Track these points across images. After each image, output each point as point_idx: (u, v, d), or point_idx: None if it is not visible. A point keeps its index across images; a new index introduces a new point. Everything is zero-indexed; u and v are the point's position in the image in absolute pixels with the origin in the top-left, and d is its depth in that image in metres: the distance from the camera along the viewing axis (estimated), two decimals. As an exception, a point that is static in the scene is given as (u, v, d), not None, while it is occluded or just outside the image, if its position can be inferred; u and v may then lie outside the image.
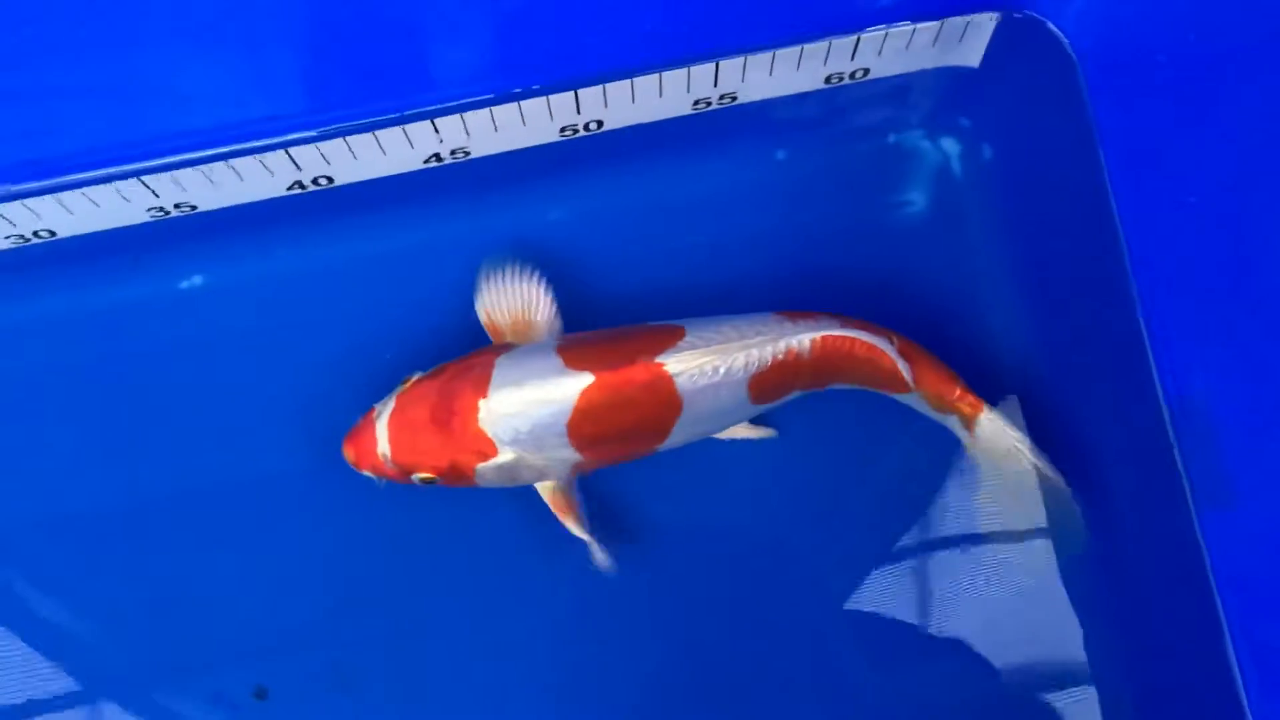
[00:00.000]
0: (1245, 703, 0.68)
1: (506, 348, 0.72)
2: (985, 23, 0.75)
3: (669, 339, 0.69)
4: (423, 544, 0.78)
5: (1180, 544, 0.70)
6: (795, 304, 0.78)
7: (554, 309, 0.74)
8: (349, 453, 0.71)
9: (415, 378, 0.71)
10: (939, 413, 0.73)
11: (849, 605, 0.79)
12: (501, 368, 0.69)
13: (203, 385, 0.80)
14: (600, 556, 0.74)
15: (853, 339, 0.70)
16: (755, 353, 0.69)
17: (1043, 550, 0.79)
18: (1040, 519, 0.77)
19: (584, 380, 0.68)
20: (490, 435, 0.69)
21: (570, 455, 0.70)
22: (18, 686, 0.78)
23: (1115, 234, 0.71)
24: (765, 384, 0.70)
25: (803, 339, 0.69)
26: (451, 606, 0.78)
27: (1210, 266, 0.69)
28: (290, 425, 0.80)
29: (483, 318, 0.74)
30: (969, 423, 0.72)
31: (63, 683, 0.78)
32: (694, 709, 0.78)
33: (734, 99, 0.77)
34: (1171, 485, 0.70)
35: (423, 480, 0.71)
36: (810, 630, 0.79)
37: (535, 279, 0.74)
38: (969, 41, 0.77)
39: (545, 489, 0.74)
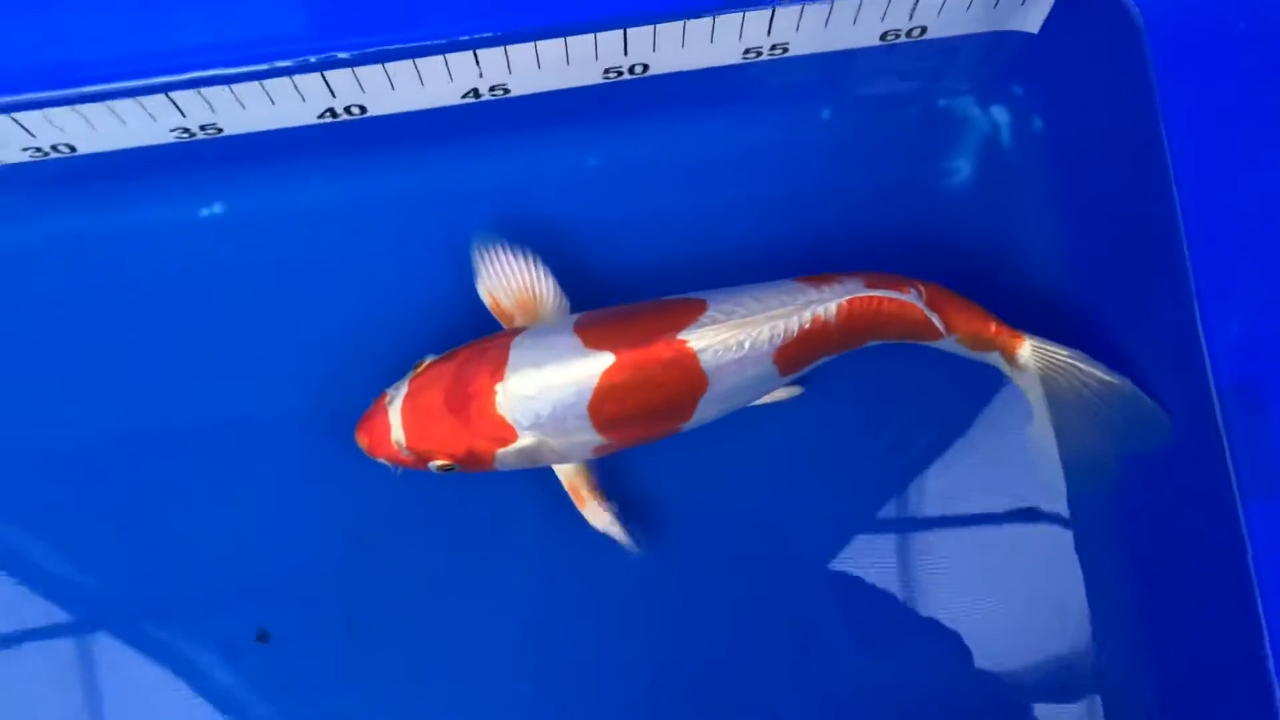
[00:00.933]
0: None
1: (522, 329, 0.70)
2: (1052, -16, 0.72)
3: (690, 314, 0.68)
4: (432, 494, 0.76)
5: (1220, 535, 0.68)
6: (832, 265, 0.76)
7: (554, 285, 0.72)
8: (362, 440, 0.69)
9: (428, 361, 0.69)
10: (978, 352, 0.72)
11: (847, 584, 0.78)
12: (518, 350, 0.68)
13: (217, 316, 0.78)
14: (626, 541, 0.73)
15: (879, 298, 0.69)
16: (781, 324, 0.67)
17: (1056, 533, 0.78)
18: (1060, 492, 0.77)
19: (605, 360, 0.66)
20: (509, 420, 0.67)
21: (592, 438, 0.68)
22: (13, 623, 0.76)
23: (1173, 214, 0.68)
24: (792, 354, 0.68)
25: (828, 305, 0.68)
26: (460, 559, 0.77)
27: (1271, 252, 0.67)
28: (305, 364, 0.78)
29: (487, 303, 0.72)
30: (1011, 355, 0.71)
31: (58, 621, 0.76)
32: (686, 687, 0.77)
33: (785, 50, 0.74)
34: (1216, 471, 0.67)
35: (440, 468, 0.69)
36: (810, 612, 0.78)
37: (529, 257, 0.72)
38: (1031, 5, 0.74)
39: (565, 473, 0.72)
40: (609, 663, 0.77)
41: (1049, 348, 0.70)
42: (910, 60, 0.79)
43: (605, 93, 0.76)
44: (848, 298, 0.68)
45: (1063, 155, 0.80)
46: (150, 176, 0.76)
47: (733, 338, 0.67)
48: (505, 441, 0.68)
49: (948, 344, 0.71)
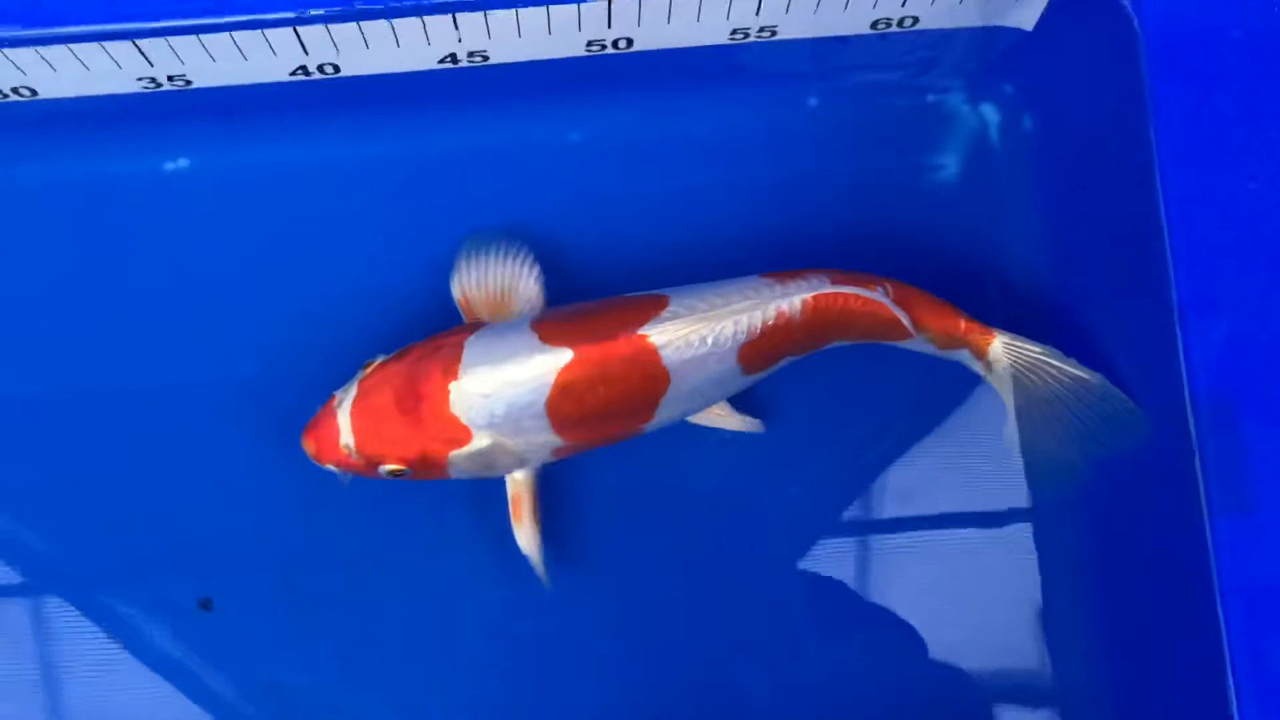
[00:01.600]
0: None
1: (477, 326, 0.68)
2: (1048, -20, 0.71)
3: (651, 309, 0.66)
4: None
5: (1185, 546, 0.67)
6: (811, 255, 0.75)
7: (538, 286, 0.70)
8: (309, 446, 0.66)
9: (378, 361, 0.67)
10: (948, 350, 0.70)
11: (807, 588, 0.77)
12: (472, 347, 0.66)
13: (174, 274, 0.76)
14: (540, 573, 0.71)
15: (845, 295, 0.67)
16: (744, 319, 0.65)
17: (1020, 538, 0.77)
18: (1024, 496, 0.76)
19: (563, 356, 0.64)
20: (464, 420, 0.65)
21: (551, 438, 0.66)
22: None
23: (1158, 221, 0.67)
24: (756, 352, 0.67)
25: (793, 301, 0.66)
26: (406, 526, 0.75)
27: (1255, 267, 0.66)
28: (262, 327, 0.76)
29: (457, 295, 0.70)
30: (981, 352, 0.70)
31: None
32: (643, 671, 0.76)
33: (774, 33, 0.73)
34: (1184, 482, 0.66)
35: (391, 473, 0.66)
36: (771, 616, 0.76)
37: (521, 256, 0.70)
38: (1026, 2, 0.72)
39: (514, 482, 0.70)
40: (561, 629, 0.75)
41: (1020, 344, 0.69)
42: (901, 51, 0.77)
43: (589, 66, 0.74)
44: (813, 293, 0.66)
45: (1050, 156, 0.78)
46: (114, 126, 0.74)
47: (695, 333, 0.65)
48: (459, 443, 0.66)
49: (916, 343, 0.70)
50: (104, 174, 0.76)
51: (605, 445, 0.71)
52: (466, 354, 0.65)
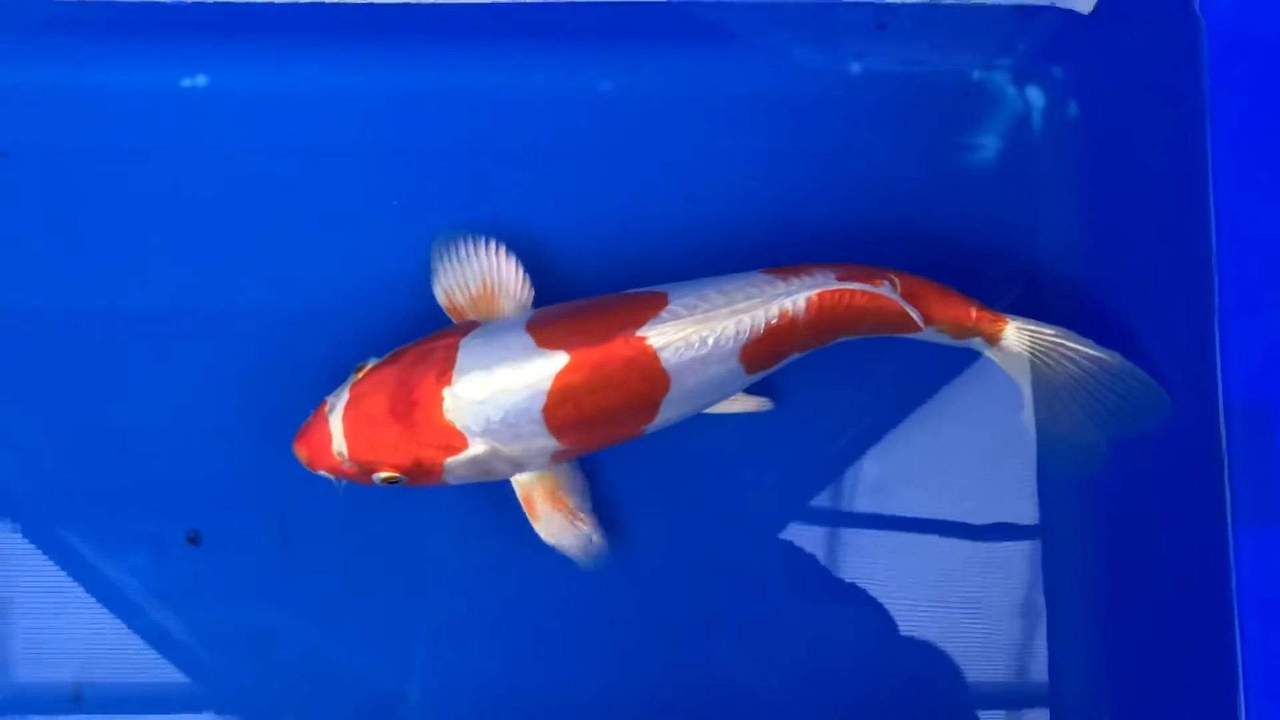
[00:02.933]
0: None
1: (471, 327, 0.66)
2: (1113, -38, 0.68)
3: (650, 309, 0.64)
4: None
5: (1205, 557, 0.66)
6: (838, 224, 0.74)
7: (524, 281, 0.68)
8: (301, 452, 0.64)
9: (369, 365, 0.65)
10: (960, 340, 0.69)
11: (804, 583, 0.75)
12: (466, 350, 0.63)
13: (183, 197, 0.74)
14: (582, 558, 0.70)
15: (851, 291, 0.65)
16: (746, 319, 0.63)
17: (1025, 538, 0.75)
18: (1031, 494, 0.74)
19: (559, 360, 0.62)
20: (459, 426, 0.63)
21: (549, 443, 0.64)
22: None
23: (1206, 221, 0.66)
24: (759, 352, 0.65)
25: (796, 299, 0.64)
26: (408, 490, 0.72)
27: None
28: (269, 256, 0.73)
29: (441, 300, 0.68)
30: (995, 339, 0.68)
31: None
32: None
33: (829, -9, 0.70)
34: (1210, 490, 0.65)
35: (385, 480, 0.64)
36: (766, 613, 0.74)
37: (499, 250, 0.68)
38: (1089, -19, 0.70)
39: (520, 484, 0.68)
40: (558, 589, 0.73)
41: (1033, 327, 0.67)
42: (953, 22, 0.75)
43: (627, 12, 0.71)
44: (818, 291, 0.64)
45: (1093, 145, 0.76)
46: (131, 35, 0.72)
47: (695, 334, 0.63)
48: (455, 450, 0.64)
49: (927, 334, 0.68)
50: (118, 84, 0.73)
51: (605, 447, 0.69)
52: (461, 358, 0.63)
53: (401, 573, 0.73)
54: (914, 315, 0.66)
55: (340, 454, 0.64)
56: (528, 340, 0.63)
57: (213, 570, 0.72)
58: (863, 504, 0.75)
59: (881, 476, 0.75)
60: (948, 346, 0.70)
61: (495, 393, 0.63)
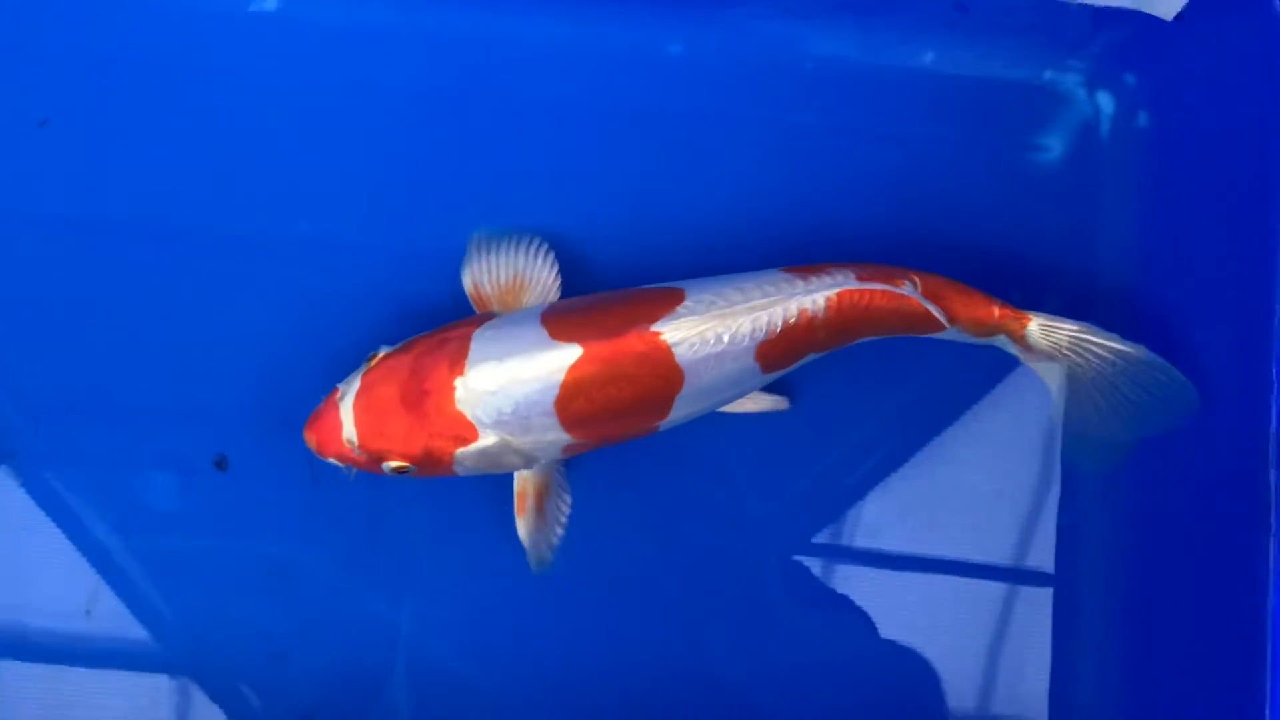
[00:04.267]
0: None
1: (486, 318, 0.65)
2: (1203, -31, 0.67)
3: (666, 304, 0.63)
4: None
5: (1240, 579, 0.65)
6: (896, 208, 0.74)
7: (554, 276, 0.68)
8: (311, 439, 0.64)
9: (382, 353, 0.64)
10: (983, 338, 0.68)
11: (808, 593, 0.74)
12: (480, 341, 0.63)
13: (243, 122, 0.73)
14: (534, 564, 0.69)
15: (871, 291, 0.64)
16: (763, 316, 0.62)
17: (1041, 564, 0.74)
18: (1051, 516, 0.74)
19: (572, 353, 0.62)
20: (470, 416, 0.62)
21: (560, 436, 0.64)
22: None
23: (1273, 244, 0.65)
24: (775, 350, 0.64)
25: (815, 298, 0.63)
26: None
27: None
28: (327, 191, 0.73)
29: (468, 287, 0.68)
30: (1018, 337, 0.67)
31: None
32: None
33: (912, -27, 0.69)
34: (1252, 512, 0.64)
35: (394, 469, 0.64)
36: (767, 622, 0.74)
37: (535, 247, 0.68)
38: (1175, -13, 0.69)
39: (521, 478, 0.68)
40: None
41: (1056, 323, 0.67)
42: (1031, 18, 0.74)
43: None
44: (836, 291, 0.64)
45: (1160, 156, 0.75)
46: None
47: (710, 330, 0.62)
48: (465, 440, 0.63)
49: (949, 334, 0.68)
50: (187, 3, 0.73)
51: (618, 443, 0.69)
52: (474, 348, 0.63)
53: (421, 526, 0.72)
54: (937, 314, 0.65)
55: (350, 442, 0.63)
56: (541, 332, 0.63)
57: (236, 498, 0.71)
58: (861, 515, 0.75)
59: (883, 494, 0.74)
60: (968, 350, 0.69)
61: (507, 384, 0.62)
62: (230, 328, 0.72)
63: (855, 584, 0.74)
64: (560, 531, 0.70)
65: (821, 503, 0.74)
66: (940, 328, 0.66)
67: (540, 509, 0.69)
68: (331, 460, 0.65)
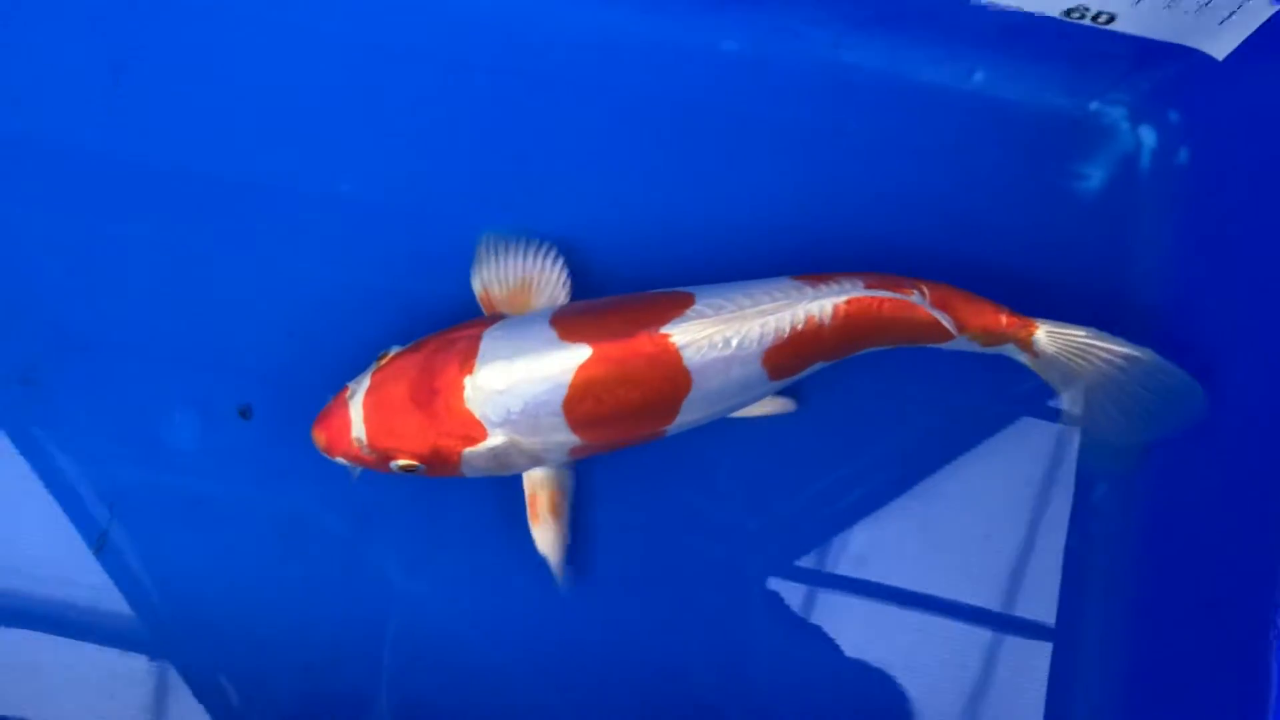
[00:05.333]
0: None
1: (497, 318, 0.66)
2: (1262, 8, 0.68)
3: (676, 307, 0.63)
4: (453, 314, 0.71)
5: (1246, 640, 0.65)
6: (923, 222, 0.75)
7: (563, 279, 0.68)
8: (319, 437, 0.64)
9: (392, 353, 0.65)
10: (991, 347, 0.68)
11: (801, 608, 0.74)
12: (490, 340, 0.63)
13: (295, 76, 0.75)
14: (557, 574, 0.69)
15: (880, 300, 0.65)
16: (771, 321, 0.63)
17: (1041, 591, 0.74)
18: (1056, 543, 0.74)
19: (581, 353, 0.62)
20: (478, 415, 0.63)
21: (568, 438, 0.64)
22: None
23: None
24: (783, 357, 0.64)
25: (824, 305, 0.64)
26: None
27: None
28: (373, 152, 0.74)
29: (478, 290, 0.69)
30: (1026, 344, 0.68)
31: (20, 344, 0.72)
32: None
33: (966, -10, 0.70)
34: (1267, 574, 0.65)
35: (403, 468, 0.64)
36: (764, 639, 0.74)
37: (544, 251, 0.68)
38: (1230, 25, 0.70)
39: (531, 480, 0.68)
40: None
41: (1064, 330, 0.67)
42: (1081, 46, 0.74)
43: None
44: (845, 298, 0.64)
45: (1199, 196, 0.76)
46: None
47: (719, 334, 0.62)
48: (473, 440, 0.63)
49: (958, 343, 0.68)
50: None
51: (626, 447, 0.69)
52: (484, 347, 0.63)
53: (431, 494, 0.72)
54: (946, 323, 0.65)
55: (359, 440, 0.63)
56: (551, 332, 0.63)
57: (256, 448, 0.72)
58: (848, 543, 0.75)
59: (872, 525, 0.74)
60: (969, 391, 0.71)
61: (516, 383, 0.62)
62: (274, 282, 0.73)
63: (837, 611, 0.74)
64: (567, 535, 0.70)
65: (810, 526, 0.74)
66: (949, 336, 0.67)
67: (555, 513, 0.69)
68: (340, 459, 0.65)
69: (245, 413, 0.71)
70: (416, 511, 0.72)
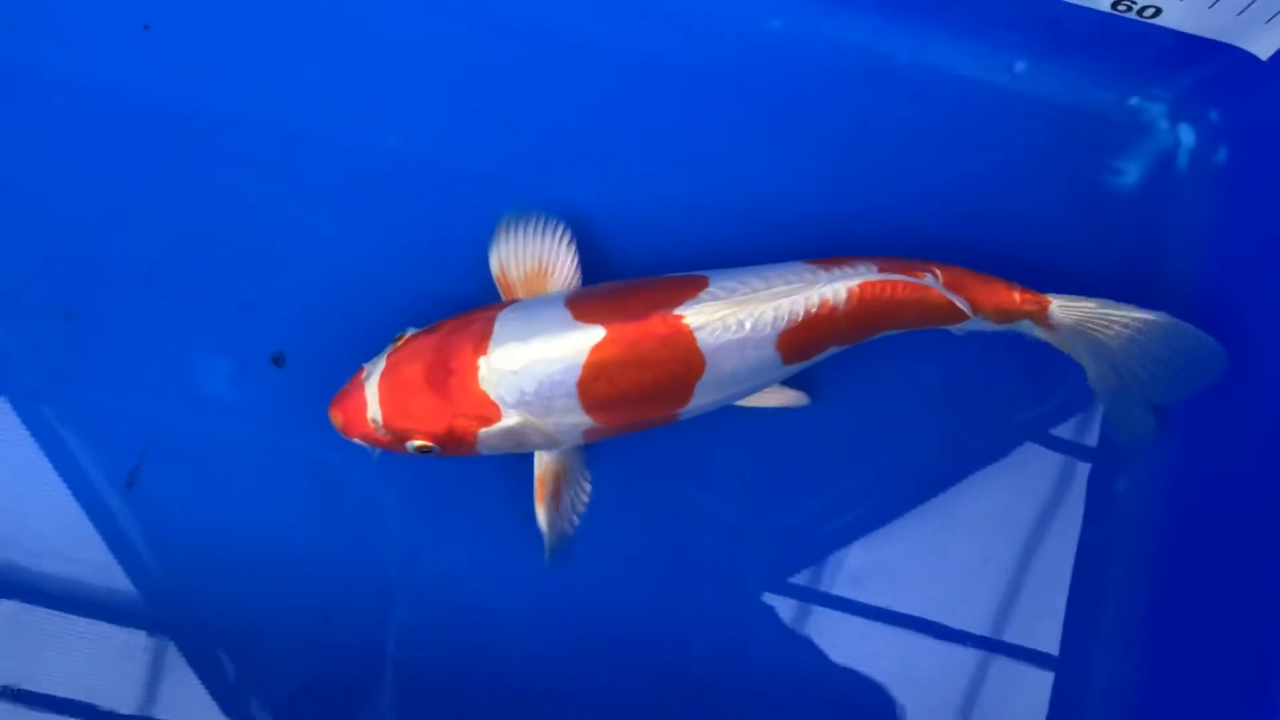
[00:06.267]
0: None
1: (509, 302, 0.66)
2: (1309, 10, 0.68)
3: (689, 290, 0.64)
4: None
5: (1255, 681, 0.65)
6: (957, 211, 0.75)
7: (574, 262, 0.68)
8: (336, 418, 0.65)
9: (408, 334, 0.65)
10: (1004, 325, 0.69)
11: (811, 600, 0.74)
12: (504, 322, 0.64)
13: (350, 38, 0.75)
14: (548, 552, 0.70)
15: (894, 283, 0.65)
16: (785, 304, 0.63)
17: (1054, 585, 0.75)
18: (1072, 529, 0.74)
19: (595, 334, 0.63)
20: (493, 396, 0.63)
21: (581, 419, 0.64)
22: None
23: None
24: (797, 341, 0.65)
25: (838, 289, 0.64)
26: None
27: None
28: (415, 106, 0.75)
29: (495, 271, 0.69)
30: (1041, 319, 0.68)
31: (67, 280, 0.73)
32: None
33: (1014, -23, 0.71)
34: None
35: (419, 449, 0.65)
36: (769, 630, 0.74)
37: (558, 231, 0.69)
38: (1275, 25, 0.70)
39: (542, 461, 0.69)
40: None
41: (1076, 302, 0.68)
42: (1125, 40, 0.74)
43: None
44: (859, 282, 0.64)
45: (1236, 196, 0.76)
46: None
47: (733, 316, 0.63)
48: (488, 420, 0.64)
49: (972, 323, 0.68)
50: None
51: (639, 430, 0.69)
52: (498, 329, 0.64)
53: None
54: (961, 305, 0.66)
55: (375, 421, 0.64)
56: (565, 314, 0.64)
57: (287, 394, 0.72)
58: (844, 561, 0.75)
59: (868, 545, 0.75)
60: (972, 419, 0.72)
61: (530, 363, 0.63)
62: (315, 234, 0.74)
63: (831, 625, 0.74)
64: (576, 521, 0.70)
65: (807, 540, 0.75)
66: (963, 317, 0.67)
67: (557, 495, 0.69)
68: (356, 440, 0.66)
69: (278, 360, 0.72)
70: (437, 475, 0.73)
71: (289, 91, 0.74)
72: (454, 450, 0.66)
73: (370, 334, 0.70)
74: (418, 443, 0.64)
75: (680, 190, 0.75)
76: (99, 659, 0.71)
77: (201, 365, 0.72)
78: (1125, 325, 0.67)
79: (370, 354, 0.70)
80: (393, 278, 0.73)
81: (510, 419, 0.64)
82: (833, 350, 0.67)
